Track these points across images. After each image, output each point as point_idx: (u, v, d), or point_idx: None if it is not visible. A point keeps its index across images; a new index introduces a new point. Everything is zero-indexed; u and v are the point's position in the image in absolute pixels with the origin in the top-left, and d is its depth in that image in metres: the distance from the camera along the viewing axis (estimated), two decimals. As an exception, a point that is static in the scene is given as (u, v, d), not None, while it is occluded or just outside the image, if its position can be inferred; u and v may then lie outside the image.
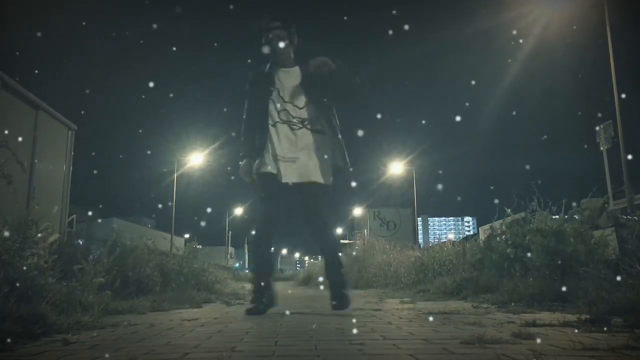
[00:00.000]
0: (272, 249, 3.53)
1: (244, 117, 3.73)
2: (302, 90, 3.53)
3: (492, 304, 3.67)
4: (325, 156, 3.50)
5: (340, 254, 3.65)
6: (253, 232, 3.54)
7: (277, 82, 3.59)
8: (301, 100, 3.53)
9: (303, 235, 3.62)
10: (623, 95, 12.15)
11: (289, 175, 3.42)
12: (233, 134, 4.05)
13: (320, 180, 3.45)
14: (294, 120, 3.50)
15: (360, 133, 3.78)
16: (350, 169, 3.58)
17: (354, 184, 3.67)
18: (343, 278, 3.49)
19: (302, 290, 10.92)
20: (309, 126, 3.50)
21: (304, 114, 3.51)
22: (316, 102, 3.53)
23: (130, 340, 2.10)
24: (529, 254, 4.18)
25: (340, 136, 3.57)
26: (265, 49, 3.60)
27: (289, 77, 3.59)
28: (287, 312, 3.41)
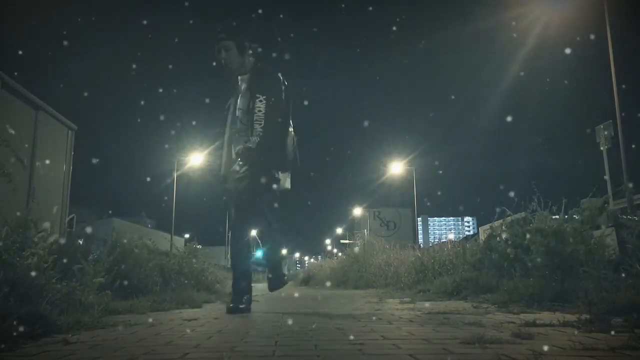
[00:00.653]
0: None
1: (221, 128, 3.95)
2: (246, 97, 3.72)
3: (492, 304, 3.67)
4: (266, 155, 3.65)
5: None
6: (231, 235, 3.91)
7: (237, 90, 3.82)
8: (244, 106, 3.72)
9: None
10: (622, 96, 12.15)
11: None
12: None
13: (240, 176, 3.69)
14: (241, 124, 3.72)
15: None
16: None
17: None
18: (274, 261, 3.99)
19: (302, 290, 10.92)
20: (250, 130, 3.65)
21: (244, 119, 3.70)
22: (255, 108, 3.67)
23: (130, 340, 2.10)
24: (528, 253, 4.18)
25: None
26: (217, 59, 3.78)
27: (243, 84, 3.80)
28: (287, 312, 3.42)
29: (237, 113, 3.75)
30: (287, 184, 3.83)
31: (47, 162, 6.76)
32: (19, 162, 3.92)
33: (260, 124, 3.61)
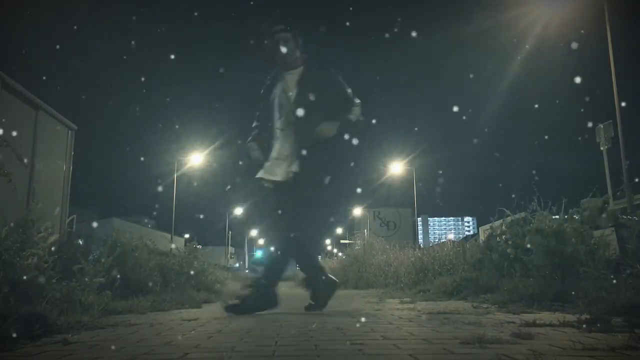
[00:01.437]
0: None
1: (255, 123, 3.77)
2: (303, 91, 3.55)
3: (492, 304, 3.67)
4: (322, 155, 3.49)
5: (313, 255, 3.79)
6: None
7: (283, 84, 3.63)
8: (301, 101, 3.53)
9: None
10: (622, 97, 12.15)
11: (278, 174, 3.48)
12: (239, 142, 4.08)
13: (316, 176, 3.48)
14: (294, 120, 3.51)
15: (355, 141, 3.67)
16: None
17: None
18: (321, 278, 3.57)
19: (302, 291, 10.91)
20: (303, 126, 3.49)
21: (301, 113, 3.51)
22: (314, 102, 3.53)
23: (130, 340, 2.10)
24: (528, 253, 4.18)
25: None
26: (271, 52, 3.62)
27: (292, 79, 3.62)
28: (287, 312, 3.41)
29: (289, 108, 3.54)
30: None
31: (47, 162, 6.76)
32: (19, 162, 3.93)
33: (324, 120, 3.48)
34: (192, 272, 6.66)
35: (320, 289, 3.58)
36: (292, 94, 3.56)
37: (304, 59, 3.67)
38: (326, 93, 3.55)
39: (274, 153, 3.53)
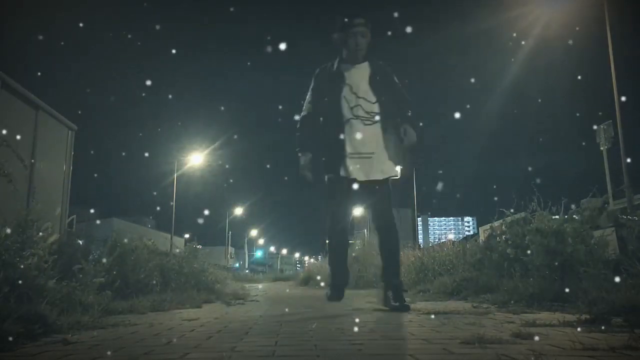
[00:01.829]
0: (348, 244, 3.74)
1: (304, 113, 3.70)
2: (373, 85, 3.54)
3: (492, 304, 3.67)
4: (396, 151, 3.51)
5: (398, 255, 3.73)
6: (329, 232, 3.66)
7: (347, 78, 3.57)
8: (373, 95, 3.52)
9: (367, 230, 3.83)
10: (623, 96, 12.15)
11: (363, 172, 3.43)
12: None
13: (394, 174, 3.51)
14: (367, 116, 3.48)
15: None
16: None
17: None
18: (401, 280, 3.59)
19: (302, 291, 10.91)
20: (381, 121, 3.48)
21: (376, 108, 3.50)
22: (386, 96, 3.54)
23: (130, 340, 2.10)
24: (528, 253, 4.18)
25: (403, 127, 3.50)
26: (346, 45, 3.59)
27: (359, 73, 3.59)
28: (287, 312, 3.42)
29: (358, 102, 3.49)
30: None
31: (47, 162, 6.76)
32: (19, 162, 3.92)
33: (401, 111, 3.51)
34: (191, 273, 6.66)
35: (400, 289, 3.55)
36: (364, 88, 3.53)
37: (367, 56, 3.65)
38: (394, 88, 3.60)
39: (350, 148, 3.46)
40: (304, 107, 3.71)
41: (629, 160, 11.66)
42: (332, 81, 3.61)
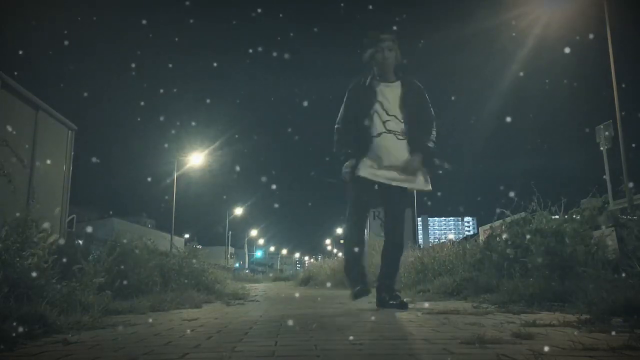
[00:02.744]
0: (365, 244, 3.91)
1: (338, 126, 3.88)
2: (404, 104, 3.70)
3: (492, 304, 3.67)
4: (420, 165, 3.66)
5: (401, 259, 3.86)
6: (347, 231, 3.89)
7: (379, 95, 3.73)
8: (403, 114, 3.68)
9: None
10: (623, 96, 12.15)
11: (387, 177, 3.62)
12: (327, 159, 4.26)
13: (420, 187, 3.69)
14: (398, 131, 3.65)
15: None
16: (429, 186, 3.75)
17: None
18: (397, 281, 3.78)
19: (302, 290, 10.91)
20: (407, 138, 3.65)
21: (404, 127, 3.67)
22: (415, 116, 3.70)
23: (130, 340, 2.10)
24: (528, 253, 4.18)
25: (430, 144, 3.74)
26: (375, 61, 3.76)
27: (391, 91, 3.75)
28: (287, 312, 3.42)
29: (389, 119, 3.67)
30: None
31: (47, 162, 6.77)
32: (19, 162, 3.93)
33: (427, 131, 3.74)
34: (191, 273, 6.66)
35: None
36: (395, 107, 3.70)
37: (398, 75, 3.81)
38: (422, 109, 3.78)
39: (384, 160, 3.62)
40: (338, 120, 3.92)
41: (631, 154, 11.65)
42: (365, 96, 3.77)
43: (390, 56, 3.72)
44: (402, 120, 3.67)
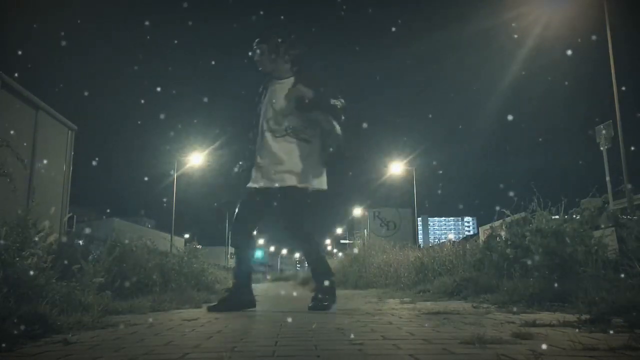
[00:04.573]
0: (250, 250, 3.87)
1: (251, 134, 3.87)
2: (290, 100, 3.65)
3: (492, 304, 3.67)
4: (309, 163, 3.61)
5: (319, 258, 3.77)
6: (233, 238, 3.92)
7: (270, 93, 3.76)
8: (287, 109, 3.64)
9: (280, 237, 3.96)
10: (623, 96, 12.15)
11: (265, 180, 3.61)
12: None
13: (300, 184, 3.57)
14: (279, 128, 3.63)
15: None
16: (350, 172, 3.70)
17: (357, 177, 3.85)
18: (322, 281, 3.61)
19: (302, 291, 10.91)
20: (292, 134, 3.61)
21: (290, 122, 3.63)
22: (303, 111, 3.62)
23: (130, 340, 2.10)
24: (528, 253, 4.17)
25: (331, 149, 3.61)
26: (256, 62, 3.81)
27: (282, 88, 3.74)
28: (287, 312, 3.42)
29: (272, 115, 3.68)
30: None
31: (47, 162, 6.76)
32: (19, 162, 3.92)
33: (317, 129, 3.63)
34: (191, 273, 6.66)
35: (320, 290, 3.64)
36: (279, 104, 3.68)
37: (293, 70, 3.79)
38: (312, 105, 3.62)
39: (259, 158, 3.67)
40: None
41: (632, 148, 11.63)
42: (260, 95, 3.85)
43: (262, 60, 3.76)
44: (285, 115, 3.62)
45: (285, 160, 3.58)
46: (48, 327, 2.25)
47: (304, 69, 3.82)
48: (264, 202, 3.63)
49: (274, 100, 3.71)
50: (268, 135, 3.65)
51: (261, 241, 69.12)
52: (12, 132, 5.14)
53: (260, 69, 3.81)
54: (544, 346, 1.67)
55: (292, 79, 3.75)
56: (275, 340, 2.01)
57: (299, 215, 3.62)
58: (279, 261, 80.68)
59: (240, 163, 3.85)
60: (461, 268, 5.86)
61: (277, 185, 3.57)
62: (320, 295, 3.55)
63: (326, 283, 3.60)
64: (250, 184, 3.66)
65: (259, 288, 12.31)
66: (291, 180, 3.56)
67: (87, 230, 5.76)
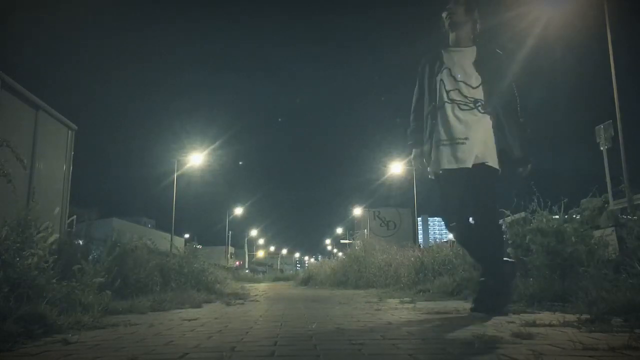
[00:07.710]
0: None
1: (412, 107, 3.48)
2: (477, 70, 3.25)
3: (492, 304, 3.66)
4: (496, 139, 3.19)
5: (503, 251, 3.29)
6: (454, 233, 3.30)
7: (448, 62, 3.32)
8: (475, 80, 3.23)
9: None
10: (623, 96, 12.15)
11: (455, 159, 3.15)
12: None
13: (491, 163, 3.14)
14: (465, 100, 3.21)
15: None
16: (530, 161, 3.27)
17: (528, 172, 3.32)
18: (497, 280, 2.99)
19: (302, 291, 10.92)
20: (480, 107, 3.19)
21: (477, 94, 3.21)
22: (492, 82, 3.24)
23: (130, 340, 2.10)
24: (528, 253, 4.17)
25: (521, 120, 3.29)
26: (443, 28, 3.42)
27: (463, 56, 3.32)
28: (287, 312, 3.42)
29: (456, 86, 3.22)
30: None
31: (47, 162, 6.76)
32: (19, 162, 3.92)
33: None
34: (191, 273, 6.66)
35: (483, 290, 3.05)
36: (466, 72, 3.26)
37: (474, 38, 3.39)
38: (501, 76, 3.29)
39: (443, 134, 3.21)
40: (413, 101, 3.50)
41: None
42: (431, 67, 3.37)
43: (452, 19, 3.34)
44: (473, 87, 3.21)
45: (472, 135, 3.15)
46: (48, 327, 2.25)
47: (485, 38, 3.43)
48: (459, 183, 3.14)
49: (457, 69, 3.28)
50: (452, 107, 3.21)
51: (261, 241, 69.09)
52: (12, 132, 5.14)
53: (446, 24, 3.37)
54: (544, 346, 1.67)
55: (473, 48, 3.34)
56: (275, 340, 2.01)
57: (490, 197, 3.17)
58: (279, 261, 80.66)
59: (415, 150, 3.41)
60: (461, 268, 5.86)
61: (468, 164, 3.11)
62: (489, 293, 2.97)
63: (500, 277, 3.01)
64: (446, 165, 3.17)
65: (259, 288, 12.31)
66: (479, 158, 3.13)
67: (91, 229, 5.73)
